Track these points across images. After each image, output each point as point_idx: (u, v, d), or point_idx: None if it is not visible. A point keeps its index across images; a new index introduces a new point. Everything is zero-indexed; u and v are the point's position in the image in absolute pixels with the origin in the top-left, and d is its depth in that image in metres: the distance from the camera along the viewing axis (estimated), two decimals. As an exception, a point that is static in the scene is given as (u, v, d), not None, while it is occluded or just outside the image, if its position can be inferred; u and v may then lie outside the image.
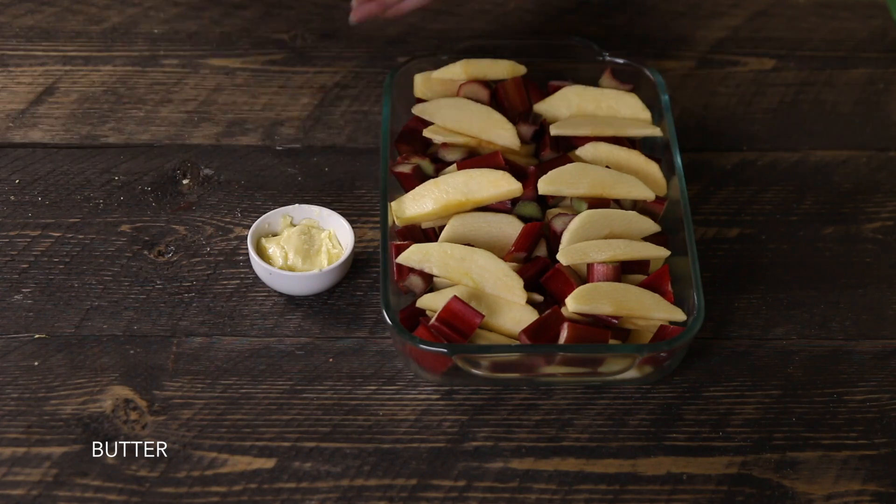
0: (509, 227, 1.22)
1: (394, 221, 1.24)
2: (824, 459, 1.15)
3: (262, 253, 1.24)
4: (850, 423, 1.17)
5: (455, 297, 1.15)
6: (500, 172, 1.23)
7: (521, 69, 1.34)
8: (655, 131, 1.30)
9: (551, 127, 1.30)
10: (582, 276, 1.20)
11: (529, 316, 1.17)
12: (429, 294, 1.19)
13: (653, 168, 1.27)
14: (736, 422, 1.17)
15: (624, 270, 1.20)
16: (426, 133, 1.30)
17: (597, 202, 1.24)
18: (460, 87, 1.32)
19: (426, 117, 1.30)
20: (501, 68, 1.34)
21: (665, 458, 1.14)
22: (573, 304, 1.16)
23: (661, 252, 1.21)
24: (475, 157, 1.28)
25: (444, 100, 1.31)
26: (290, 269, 1.23)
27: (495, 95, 1.33)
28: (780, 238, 1.31)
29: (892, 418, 1.18)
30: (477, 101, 1.31)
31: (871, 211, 1.34)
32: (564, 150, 1.30)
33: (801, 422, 1.17)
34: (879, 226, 1.32)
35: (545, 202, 1.26)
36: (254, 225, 1.24)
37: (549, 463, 1.14)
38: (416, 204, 1.24)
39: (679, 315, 1.17)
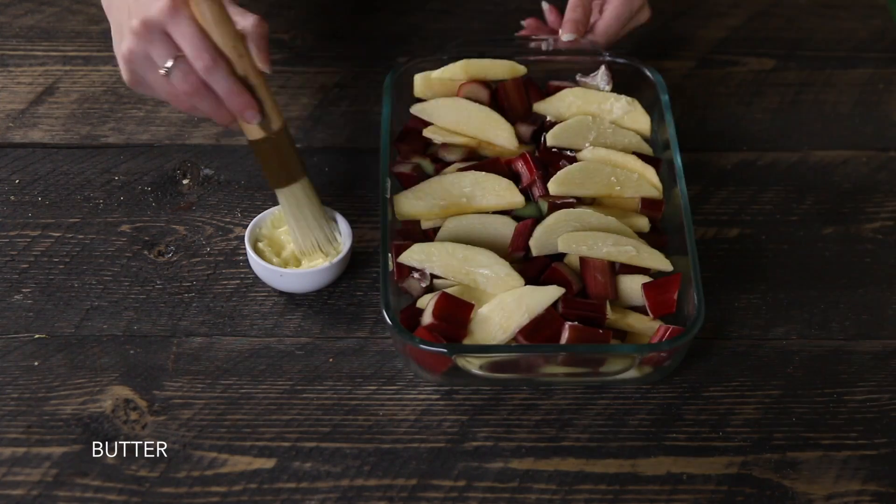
0: (504, 228, 1.22)
1: (394, 217, 1.23)
2: (824, 459, 1.15)
3: (259, 252, 1.23)
4: (850, 423, 1.17)
5: (443, 292, 1.16)
6: (507, 182, 1.23)
7: (521, 69, 1.34)
8: (648, 150, 1.30)
9: (548, 136, 1.29)
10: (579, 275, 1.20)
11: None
12: (429, 294, 1.19)
13: (649, 172, 1.27)
14: (736, 422, 1.17)
15: (627, 270, 1.20)
16: (426, 133, 1.30)
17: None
18: (460, 87, 1.32)
19: (425, 117, 1.30)
20: (501, 68, 1.34)
21: (665, 458, 1.14)
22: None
23: (665, 265, 1.20)
24: (476, 159, 1.28)
25: (443, 100, 1.31)
26: (287, 266, 1.23)
27: (495, 95, 1.33)
28: (780, 238, 1.31)
29: (892, 418, 1.18)
30: (477, 101, 1.31)
31: (871, 211, 1.34)
32: (562, 151, 1.30)
33: (801, 422, 1.17)
34: (879, 226, 1.32)
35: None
36: (250, 225, 1.24)
37: (549, 463, 1.14)
38: (417, 201, 1.24)
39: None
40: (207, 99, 1.15)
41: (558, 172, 1.25)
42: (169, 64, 1.13)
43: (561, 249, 1.19)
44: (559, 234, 1.20)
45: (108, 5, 1.21)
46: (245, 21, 1.19)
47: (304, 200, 1.22)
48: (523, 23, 1.41)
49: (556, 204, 1.23)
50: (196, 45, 1.13)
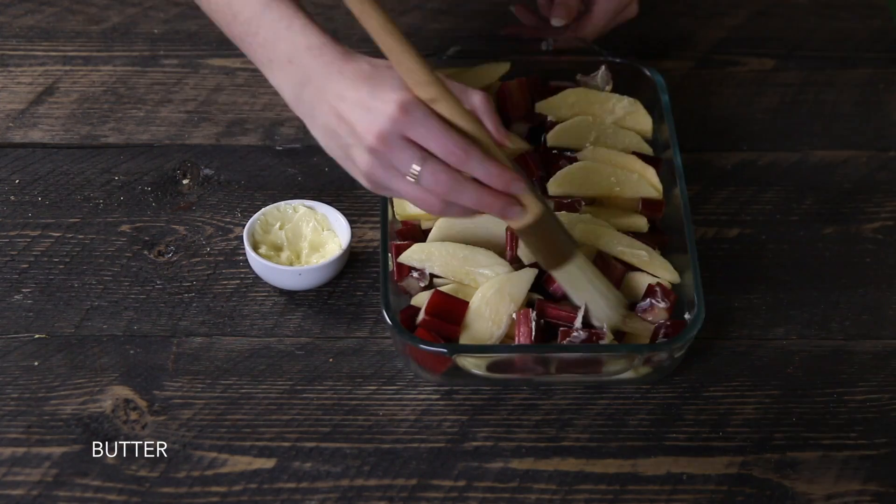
0: (496, 228, 1.22)
1: (394, 217, 1.23)
2: (824, 459, 1.15)
3: (263, 258, 1.23)
4: (850, 423, 1.17)
5: (437, 290, 1.16)
6: None
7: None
8: (648, 150, 1.30)
9: (548, 137, 1.29)
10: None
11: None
12: (424, 292, 1.19)
13: (649, 172, 1.27)
14: (736, 422, 1.17)
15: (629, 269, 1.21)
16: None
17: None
18: None
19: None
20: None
21: (665, 458, 1.14)
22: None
23: (673, 276, 1.20)
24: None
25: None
26: (289, 263, 1.24)
27: (499, 96, 1.33)
28: (780, 238, 1.31)
29: (893, 418, 1.18)
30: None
31: (871, 211, 1.34)
32: (562, 151, 1.30)
33: (801, 422, 1.17)
34: (879, 226, 1.32)
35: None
36: (245, 231, 1.24)
37: (549, 463, 1.14)
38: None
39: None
40: (466, 191, 1.05)
41: (557, 172, 1.25)
42: (417, 169, 1.04)
43: (579, 238, 1.19)
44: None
45: (297, 102, 1.11)
46: (471, 98, 1.09)
47: (580, 276, 1.15)
48: (512, 8, 1.41)
49: (564, 203, 1.23)
50: (444, 142, 1.04)
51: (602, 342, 1.14)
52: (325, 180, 1.33)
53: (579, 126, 1.30)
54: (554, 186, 1.24)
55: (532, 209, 1.09)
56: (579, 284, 1.15)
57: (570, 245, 1.13)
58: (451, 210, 1.08)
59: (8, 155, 1.35)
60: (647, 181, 1.26)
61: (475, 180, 1.06)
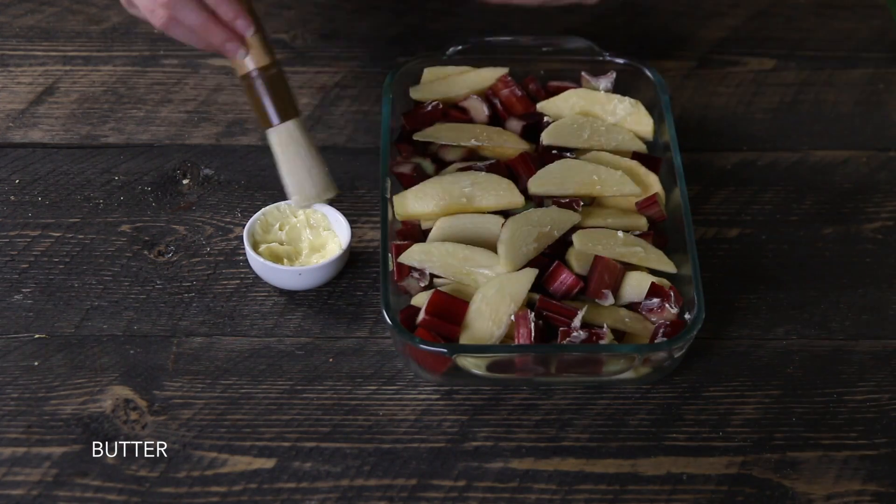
0: (496, 228, 1.22)
1: (394, 217, 1.23)
2: (824, 459, 1.15)
3: (258, 251, 1.23)
4: (850, 423, 1.17)
5: (437, 290, 1.16)
6: (507, 182, 1.23)
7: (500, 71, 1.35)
8: (642, 148, 1.30)
9: (542, 136, 1.29)
10: (582, 273, 1.20)
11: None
12: (424, 292, 1.19)
13: (652, 179, 1.27)
14: (736, 422, 1.17)
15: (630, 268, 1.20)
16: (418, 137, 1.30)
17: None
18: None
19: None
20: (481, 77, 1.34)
21: (665, 458, 1.14)
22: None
23: (669, 266, 1.20)
24: (476, 159, 1.28)
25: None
26: (289, 263, 1.24)
27: (495, 96, 1.33)
28: (780, 238, 1.31)
29: (892, 418, 1.18)
30: (475, 119, 1.31)
31: (871, 211, 1.34)
32: (561, 151, 1.30)
33: (801, 422, 1.17)
34: (879, 226, 1.32)
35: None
36: (245, 231, 1.24)
37: (549, 463, 1.14)
38: (418, 201, 1.23)
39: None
40: (190, 10, 1.13)
41: (538, 171, 1.24)
42: None
43: (578, 248, 1.19)
44: (522, 244, 1.19)
45: None
46: None
47: (290, 144, 1.18)
48: None
49: (562, 203, 1.23)
50: None
51: (602, 342, 1.15)
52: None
53: (573, 124, 1.30)
54: (534, 186, 1.24)
55: (256, 58, 1.16)
56: (287, 152, 1.18)
57: (289, 110, 1.17)
58: (176, 28, 1.14)
59: (8, 155, 1.35)
60: (631, 178, 1.25)
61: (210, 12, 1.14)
